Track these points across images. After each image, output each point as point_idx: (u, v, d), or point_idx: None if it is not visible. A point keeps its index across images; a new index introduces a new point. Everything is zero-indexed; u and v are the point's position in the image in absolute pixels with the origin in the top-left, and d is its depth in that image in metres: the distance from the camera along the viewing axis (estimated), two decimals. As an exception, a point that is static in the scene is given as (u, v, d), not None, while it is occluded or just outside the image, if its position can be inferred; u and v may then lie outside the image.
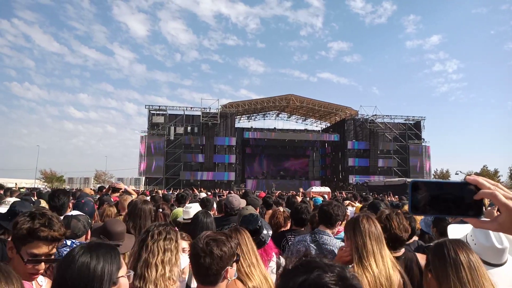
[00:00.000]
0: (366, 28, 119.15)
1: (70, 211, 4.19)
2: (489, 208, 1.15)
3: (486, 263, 2.01)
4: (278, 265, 3.10)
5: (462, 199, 0.93)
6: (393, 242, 2.75)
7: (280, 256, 3.30)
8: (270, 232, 3.19)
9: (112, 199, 6.87)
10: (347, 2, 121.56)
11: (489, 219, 0.92)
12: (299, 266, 0.84)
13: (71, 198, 9.04)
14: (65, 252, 2.44)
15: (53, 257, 1.92)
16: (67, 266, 1.36)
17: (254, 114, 61.18)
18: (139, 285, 2.03)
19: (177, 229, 2.39)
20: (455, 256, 1.79)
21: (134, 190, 8.82)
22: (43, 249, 1.84)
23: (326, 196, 14.97)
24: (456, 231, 2.38)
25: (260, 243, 2.89)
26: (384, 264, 2.30)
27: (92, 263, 1.35)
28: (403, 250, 2.84)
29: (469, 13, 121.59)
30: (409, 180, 33.52)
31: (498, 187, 0.89)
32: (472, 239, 2.15)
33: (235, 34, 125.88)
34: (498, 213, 0.90)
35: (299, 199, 6.92)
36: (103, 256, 1.40)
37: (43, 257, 1.85)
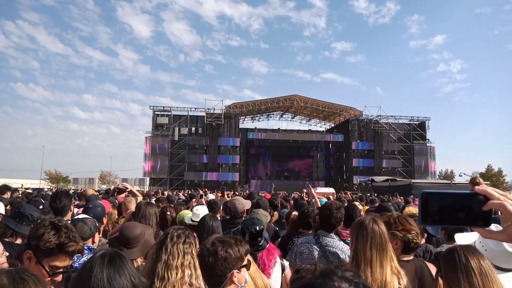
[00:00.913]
0: (370, 28, 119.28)
1: (72, 213, 4.20)
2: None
3: (498, 268, 2.01)
4: (283, 267, 3.10)
5: (471, 209, 0.93)
6: (406, 247, 2.75)
7: (283, 259, 3.30)
8: (268, 238, 3.20)
9: (117, 201, 6.87)
10: (350, 2, 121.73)
11: (497, 230, 0.93)
12: (314, 272, 0.84)
13: (76, 199, 9.09)
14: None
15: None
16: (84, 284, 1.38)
17: (258, 115, 61.23)
18: (158, 286, 2.05)
19: (195, 234, 2.39)
20: (466, 262, 1.80)
21: (138, 191, 8.82)
22: (66, 262, 1.86)
23: (331, 197, 14.90)
24: (464, 238, 2.37)
25: (261, 246, 2.91)
26: (381, 272, 2.23)
27: (110, 278, 1.38)
28: (412, 255, 2.82)
29: (472, 13, 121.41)
30: (414, 181, 33.47)
31: (507, 197, 0.89)
32: (482, 245, 2.14)
33: (238, 35, 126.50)
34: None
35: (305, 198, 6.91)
36: (122, 269, 1.43)
37: (62, 269, 1.85)
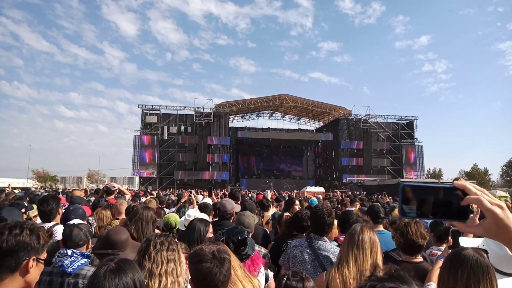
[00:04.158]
0: (356, 29, 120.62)
1: (60, 216, 4.15)
2: (471, 215, 1.16)
3: (500, 272, 2.04)
4: (267, 276, 3.10)
5: (450, 203, 0.95)
6: (410, 248, 2.85)
7: (268, 269, 3.30)
8: (255, 245, 3.20)
9: (106, 202, 6.81)
10: (336, 3, 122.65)
11: (475, 224, 0.95)
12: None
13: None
14: (66, 261, 2.44)
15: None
16: None
17: (248, 114, 61.19)
18: None
19: (177, 241, 2.38)
20: (471, 259, 1.86)
21: (127, 189, 8.74)
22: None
23: (320, 196, 15.01)
24: (468, 242, 2.40)
25: (244, 256, 2.87)
26: (358, 268, 2.47)
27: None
28: (420, 258, 2.91)
29: (456, 14, 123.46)
30: (402, 180, 33.90)
31: (484, 193, 0.93)
32: (485, 248, 2.17)
33: (225, 34, 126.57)
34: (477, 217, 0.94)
35: (297, 202, 6.89)
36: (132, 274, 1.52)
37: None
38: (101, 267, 1.52)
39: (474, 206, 0.96)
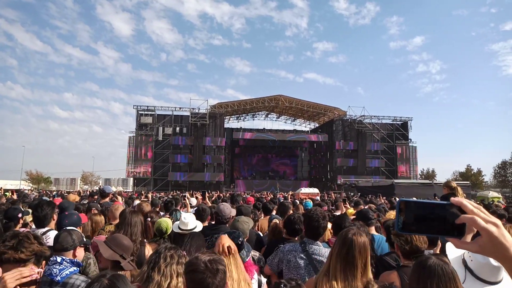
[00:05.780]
0: (351, 29, 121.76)
1: (55, 222, 4.14)
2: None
3: (482, 280, 2.05)
4: (260, 282, 3.09)
5: (446, 219, 0.95)
6: (414, 253, 2.87)
7: (261, 274, 3.29)
8: (251, 251, 3.19)
9: (99, 205, 6.76)
10: (331, 3, 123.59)
11: (470, 241, 0.95)
12: None
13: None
14: (54, 270, 2.40)
15: (36, 277, 1.88)
16: None
17: (243, 115, 61.23)
18: None
19: (185, 253, 2.37)
20: (435, 267, 1.94)
21: (122, 192, 8.65)
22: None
23: (318, 198, 14.99)
24: (455, 248, 2.42)
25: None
26: (349, 283, 2.39)
27: None
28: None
29: (450, 15, 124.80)
30: (396, 181, 34.00)
31: (480, 210, 0.92)
32: (469, 255, 2.18)
33: (220, 34, 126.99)
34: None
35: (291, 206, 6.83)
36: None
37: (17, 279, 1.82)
38: (93, 283, 1.50)
39: None
